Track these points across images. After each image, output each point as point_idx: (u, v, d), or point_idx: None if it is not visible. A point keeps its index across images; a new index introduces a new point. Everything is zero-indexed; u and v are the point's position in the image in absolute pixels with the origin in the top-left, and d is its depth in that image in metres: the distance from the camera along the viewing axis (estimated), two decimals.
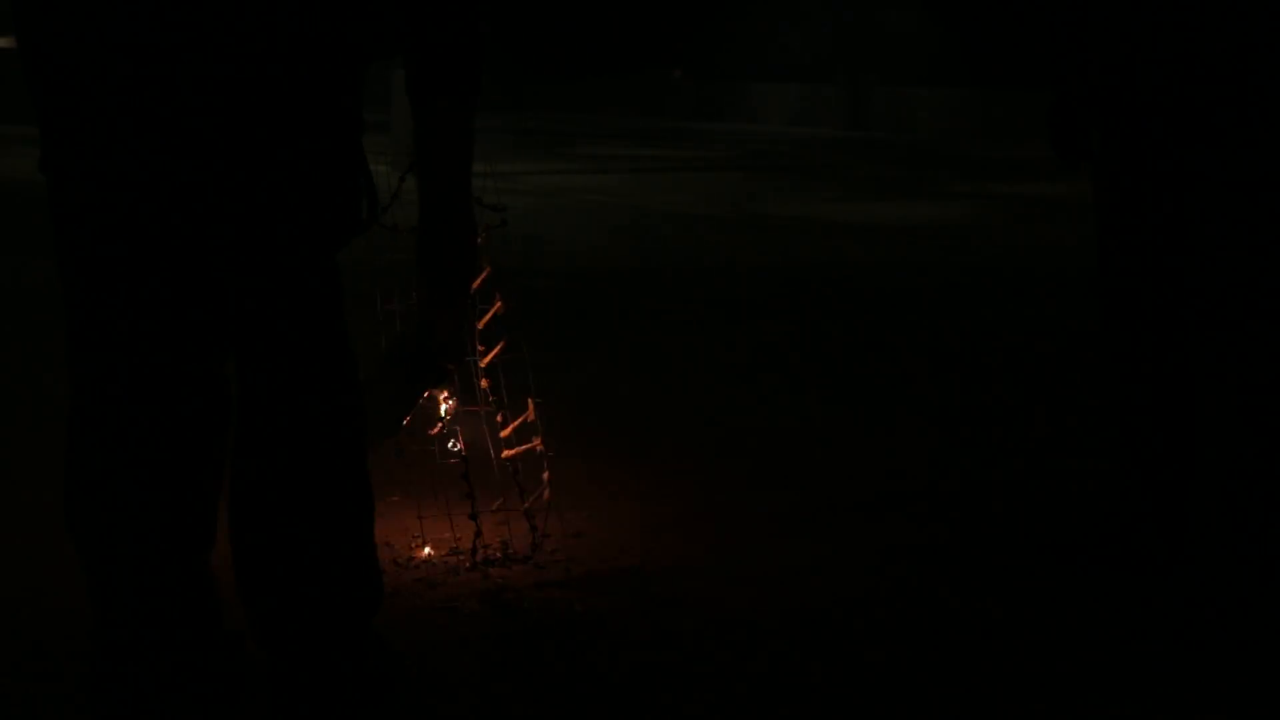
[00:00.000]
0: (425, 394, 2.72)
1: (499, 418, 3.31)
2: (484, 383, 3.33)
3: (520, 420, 3.33)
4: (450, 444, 3.28)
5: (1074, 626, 2.91)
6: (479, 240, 3.36)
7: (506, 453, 3.30)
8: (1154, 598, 3.05)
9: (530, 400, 3.33)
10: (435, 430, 3.32)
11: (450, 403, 3.33)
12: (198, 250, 2.16)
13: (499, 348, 3.34)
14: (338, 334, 2.29)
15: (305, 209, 2.19)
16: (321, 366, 2.26)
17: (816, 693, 2.61)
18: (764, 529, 3.51)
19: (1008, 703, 2.59)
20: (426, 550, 3.24)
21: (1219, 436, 3.20)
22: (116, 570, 2.23)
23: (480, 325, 3.34)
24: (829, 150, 20.15)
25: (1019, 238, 10.05)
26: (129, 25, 2.05)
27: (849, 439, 4.41)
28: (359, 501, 2.32)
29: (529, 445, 3.32)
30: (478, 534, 3.18)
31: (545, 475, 3.31)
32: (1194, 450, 3.24)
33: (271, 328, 2.23)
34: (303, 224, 2.19)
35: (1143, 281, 3.20)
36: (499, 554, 3.23)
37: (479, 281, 3.39)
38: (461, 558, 3.21)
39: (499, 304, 3.37)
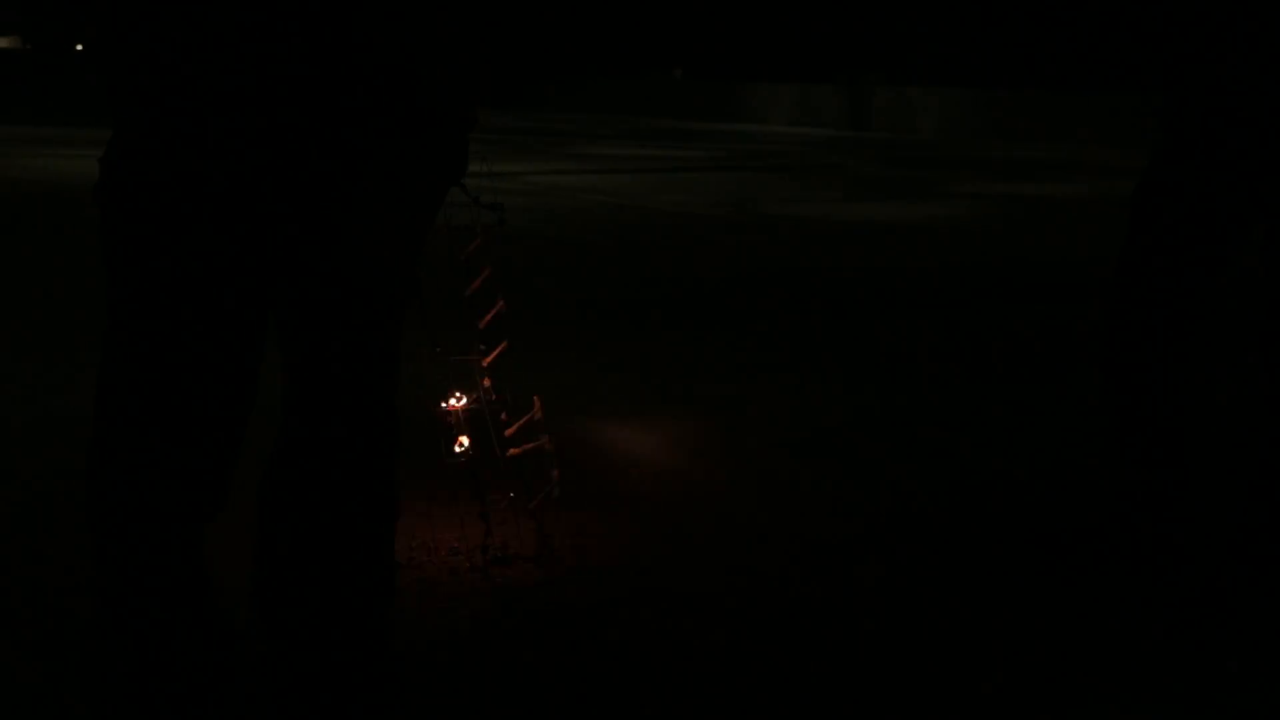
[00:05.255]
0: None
1: (503, 416, 3.32)
2: (486, 382, 3.34)
3: (526, 419, 3.33)
4: (455, 444, 3.28)
5: (1070, 626, 2.91)
6: (476, 242, 3.37)
7: (513, 451, 3.30)
8: (1151, 598, 3.05)
9: (536, 399, 3.33)
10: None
11: (461, 403, 3.33)
12: (256, 251, 2.19)
13: (501, 347, 3.34)
14: (391, 343, 2.31)
15: (373, 225, 2.21)
16: (369, 374, 2.28)
17: (816, 690, 2.62)
18: (765, 528, 3.52)
19: (1005, 703, 2.59)
20: (430, 551, 3.25)
21: (1220, 437, 3.20)
22: (116, 529, 2.25)
23: (482, 325, 3.34)
24: (829, 150, 20.17)
25: (1019, 238, 10.05)
26: (211, 48, 2.08)
27: (848, 439, 4.41)
28: (388, 504, 2.35)
29: (537, 444, 3.32)
30: (488, 533, 3.18)
31: (555, 474, 3.32)
32: (1190, 450, 3.25)
33: (329, 332, 2.24)
34: (370, 242, 2.21)
35: (1164, 282, 3.19)
36: (500, 553, 3.24)
37: (479, 282, 3.39)
38: (461, 557, 3.22)
39: (500, 304, 3.38)
